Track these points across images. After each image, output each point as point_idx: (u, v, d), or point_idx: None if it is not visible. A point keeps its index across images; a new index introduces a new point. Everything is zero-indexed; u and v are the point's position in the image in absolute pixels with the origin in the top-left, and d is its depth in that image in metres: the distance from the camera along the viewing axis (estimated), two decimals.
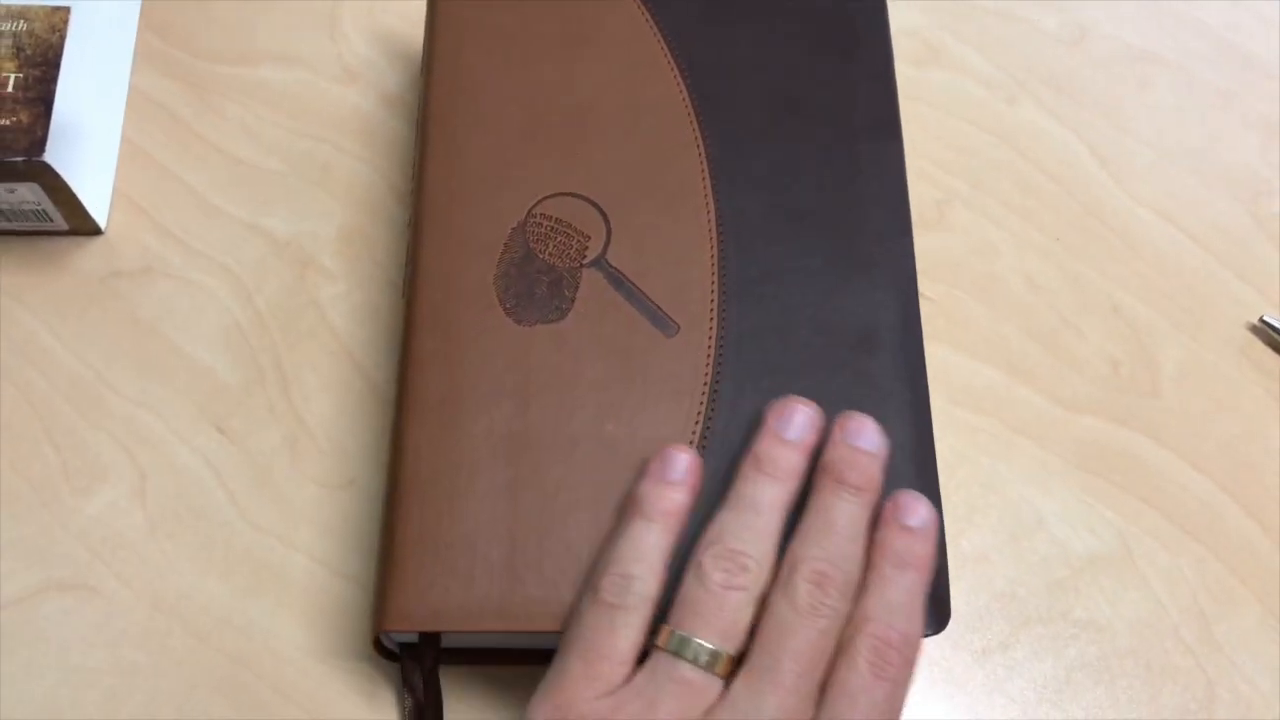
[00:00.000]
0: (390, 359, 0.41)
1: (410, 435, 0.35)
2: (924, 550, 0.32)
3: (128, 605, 0.37)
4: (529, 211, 0.38)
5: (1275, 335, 0.43)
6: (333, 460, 0.39)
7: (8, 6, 0.39)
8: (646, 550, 0.31)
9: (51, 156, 0.38)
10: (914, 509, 0.32)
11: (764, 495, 0.32)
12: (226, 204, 0.43)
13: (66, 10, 0.39)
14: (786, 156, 0.39)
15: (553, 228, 0.38)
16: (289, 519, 0.39)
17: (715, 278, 0.37)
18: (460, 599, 0.33)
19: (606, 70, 0.40)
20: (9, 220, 0.41)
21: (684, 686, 0.30)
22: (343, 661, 0.37)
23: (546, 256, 0.37)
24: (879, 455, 0.33)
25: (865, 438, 0.33)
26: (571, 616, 0.32)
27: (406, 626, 0.33)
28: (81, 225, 0.41)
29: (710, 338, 0.36)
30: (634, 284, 0.37)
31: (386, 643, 0.35)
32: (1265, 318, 0.44)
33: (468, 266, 0.37)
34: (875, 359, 0.36)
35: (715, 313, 0.37)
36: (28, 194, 0.39)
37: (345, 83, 0.46)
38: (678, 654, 0.30)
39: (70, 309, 0.41)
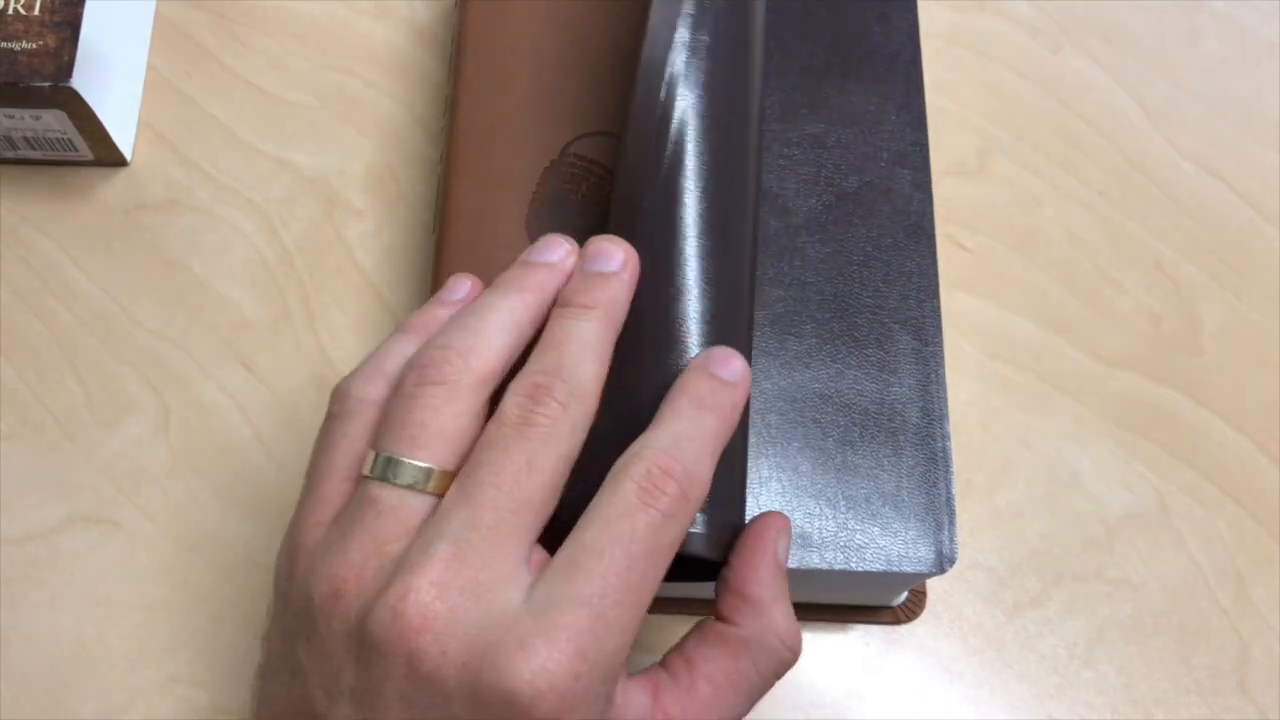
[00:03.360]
0: (418, 299, 0.40)
1: None
2: (727, 399, 0.27)
3: (152, 540, 0.37)
4: (562, 151, 0.37)
5: None
6: None
7: None
8: (388, 365, 0.28)
9: (78, 84, 0.37)
10: (728, 361, 0.28)
11: (490, 301, 0.28)
12: (253, 137, 0.42)
13: None
14: (821, 98, 0.38)
15: (586, 168, 0.37)
16: None
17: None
18: None
19: (634, 10, 0.39)
20: (34, 149, 0.40)
21: (376, 510, 0.25)
22: None
23: (579, 197, 0.37)
24: (617, 274, 0.28)
25: (602, 260, 0.29)
26: None
27: None
28: (107, 155, 0.41)
29: None
30: None
31: None
32: None
33: (499, 204, 0.36)
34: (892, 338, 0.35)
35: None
36: (54, 122, 0.38)
37: (375, 16, 0.44)
38: (373, 475, 0.26)
39: (95, 241, 0.41)
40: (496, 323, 0.27)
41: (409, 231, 0.41)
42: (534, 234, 0.36)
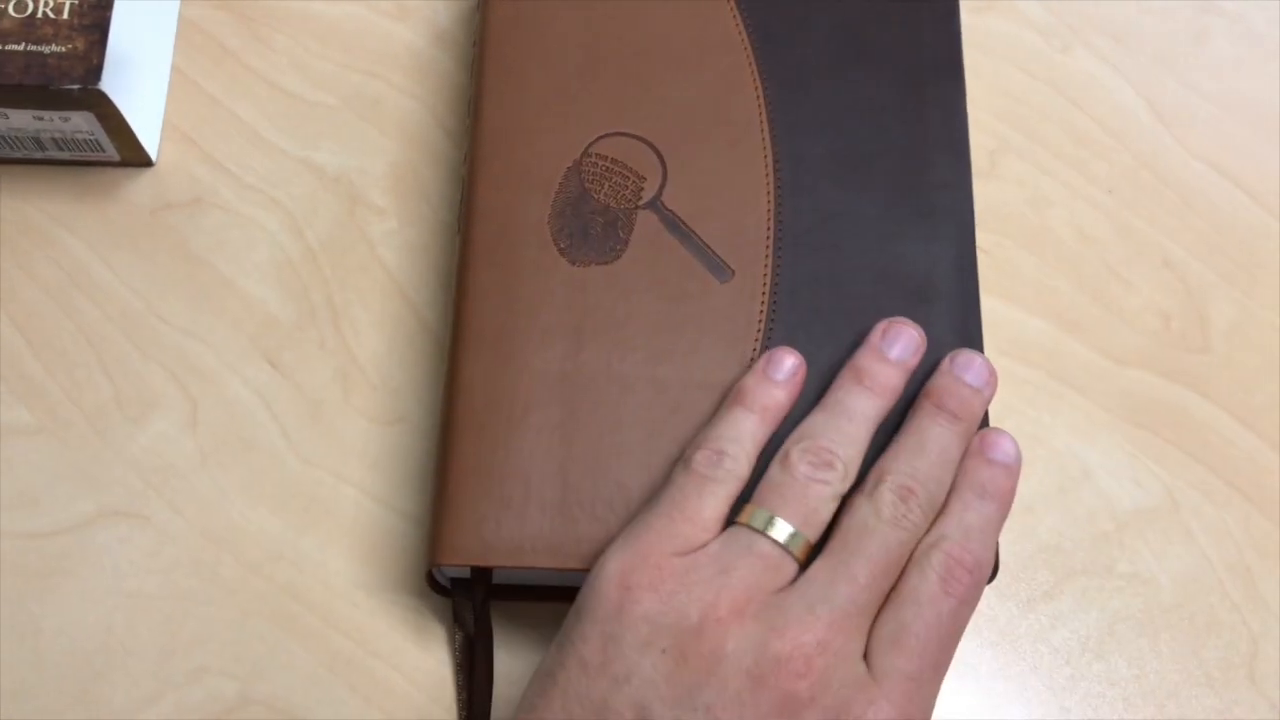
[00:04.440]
0: (440, 297, 0.41)
1: (465, 369, 0.35)
2: (1006, 483, 0.33)
3: (180, 534, 0.38)
4: (584, 150, 0.38)
5: None
6: (383, 396, 0.40)
7: None
8: (743, 434, 0.32)
9: (106, 86, 0.37)
10: (1001, 444, 0.33)
11: (857, 404, 0.33)
12: (276, 137, 0.43)
13: None
14: (847, 99, 0.39)
15: (608, 168, 0.38)
16: (340, 454, 0.39)
17: (771, 223, 0.37)
18: (513, 535, 0.33)
19: (664, 9, 0.39)
20: (62, 150, 0.41)
21: (760, 560, 0.30)
22: (393, 595, 0.37)
23: (601, 197, 0.37)
24: (982, 391, 0.34)
25: (972, 372, 0.34)
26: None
27: (460, 560, 0.33)
28: (133, 156, 0.41)
29: (765, 284, 0.36)
30: (689, 227, 0.37)
31: (438, 577, 0.35)
32: None
33: (522, 204, 0.37)
34: (931, 309, 0.36)
35: (770, 258, 0.37)
36: (82, 123, 0.39)
37: (396, 18, 0.45)
38: (757, 529, 0.31)
39: (122, 239, 0.41)
40: (866, 430, 0.33)
41: (430, 230, 0.42)
42: (556, 233, 0.36)
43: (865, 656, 0.30)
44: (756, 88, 0.38)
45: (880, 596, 0.30)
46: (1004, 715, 0.37)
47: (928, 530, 0.32)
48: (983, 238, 0.43)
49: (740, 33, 0.39)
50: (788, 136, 0.38)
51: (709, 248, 0.37)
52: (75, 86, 0.37)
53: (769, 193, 0.37)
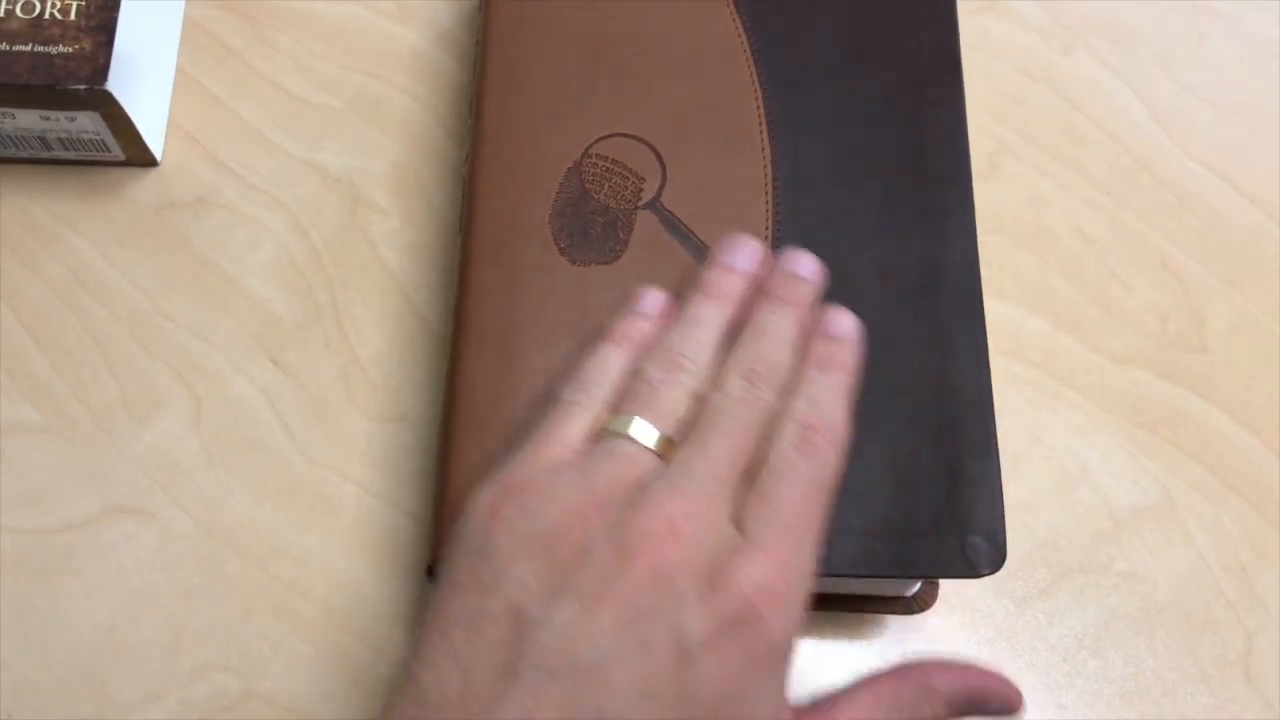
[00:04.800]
0: (441, 296, 0.41)
1: (467, 368, 0.35)
2: (846, 355, 0.34)
3: (185, 531, 0.38)
4: (585, 151, 0.38)
5: None
6: (385, 395, 0.40)
7: None
8: (609, 365, 0.33)
9: (111, 86, 0.38)
10: (837, 320, 0.34)
11: (704, 312, 0.34)
12: (280, 138, 0.43)
13: None
14: (846, 98, 0.39)
15: (608, 168, 0.38)
16: (343, 452, 0.39)
17: (770, 222, 0.37)
18: None
19: (665, 11, 0.40)
20: (67, 149, 0.41)
21: (622, 459, 0.31)
22: (396, 591, 0.38)
23: (601, 197, 0.37)
24: (810, 279, 0.35)
25: (799, 264, 0.35)
26: None
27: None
28: (138, 156, 0.42)
29: None
30: (688, 228, 0.37)
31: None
32: None
33: (524, 204, 0.37)
34: (933, 304, 0.36)
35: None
36: (88, 123, 0.39)
37: (398, 19, 0.45)
38: (616, 432, 0.31)
39: (127, 239, 0.42)
40: (713, 334, 0.34)
41: (432, 230, 0.42)
42: (557, 233, 0.37)
43: (739, 524, 0.30)
44: (756, 89, 0.39)
45: (740, 471, 0.31)
46: None
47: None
48: (982, 238, 0.43)
49: (740, 35, 0.39)
50: (787, 136, 0.38)
51: (708, 248, 0.37)
52: (82, 87, 0.37)
53: (768, 193, 0.38)
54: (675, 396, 0.32)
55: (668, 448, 0.31)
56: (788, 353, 0.33)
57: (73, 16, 0.38)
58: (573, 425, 0.32)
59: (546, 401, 0.33)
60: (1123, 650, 0.38)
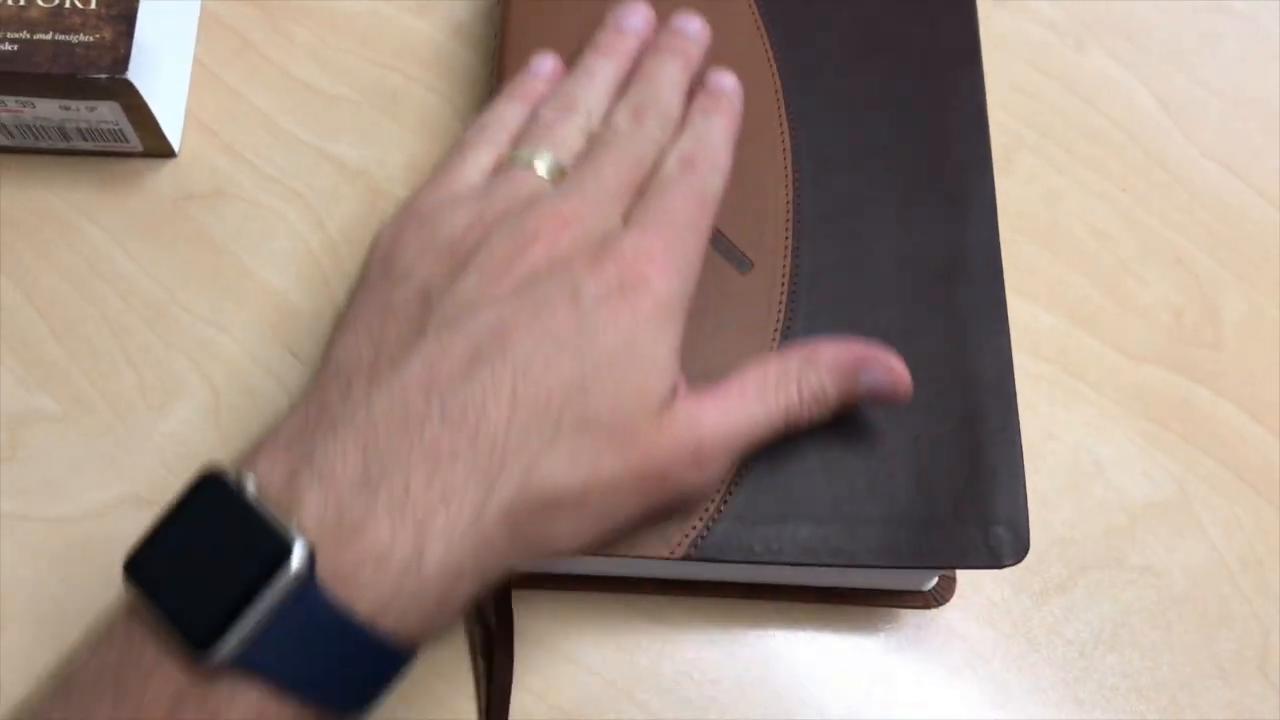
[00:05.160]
0: None
1: None
2: (728, 105, 0.37)
3: None
4: None
5: None
6: None
7: None
8: (504, 114, 0.36)
9: (132, 75, 0.38)
10: (720, 77, 0.37)
11: (596, 65, 0.37)
12: (297, 129, 0.43)
13: None
14: (865, 88, 0.39)
15: None
16: None
17: (790, 213, 0.37)
18: None
19: (683, 3, 0.40)
20: (86, 140, 0.41)
21: (519, 181, 0.33)
22: None
23: None
24: (696, 38, 0.38)
25: (686, 24, 0.38)
26: None
27: None
28: (156, 146, 0.42)
29: (784, 273, 0.37)
30: None
31: None
32: None
33: None
34: (956, 291, 0.36)
35: (789, 248, 0.37)
36: (107, 113, 0.39)
37: (416, 13, 0.45)
38: (513, 162, 0.34)
39: (144, 229, 0.42)
40: (605, 82, 0.37)
41: None
42: None
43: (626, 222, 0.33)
44: (774, 80, 0.39)
45: (628, 186, 0.33)
46: (1018, 707, 0.37)
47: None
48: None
49: (759, 26, 0.40)
50: (806, 127, 0.38)
51: (728, 239, 0.37)
52: (103, 76, 0.37)
53: (787, 183, 0.38)
54: (569, 133, 0.35)
55: (561, 176, 0.34)
56: (674, 95, 0.36)
57: (93, 5, 0.38)
58: (474, 160, 0.35)
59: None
60: (1139, 645, 0.38)
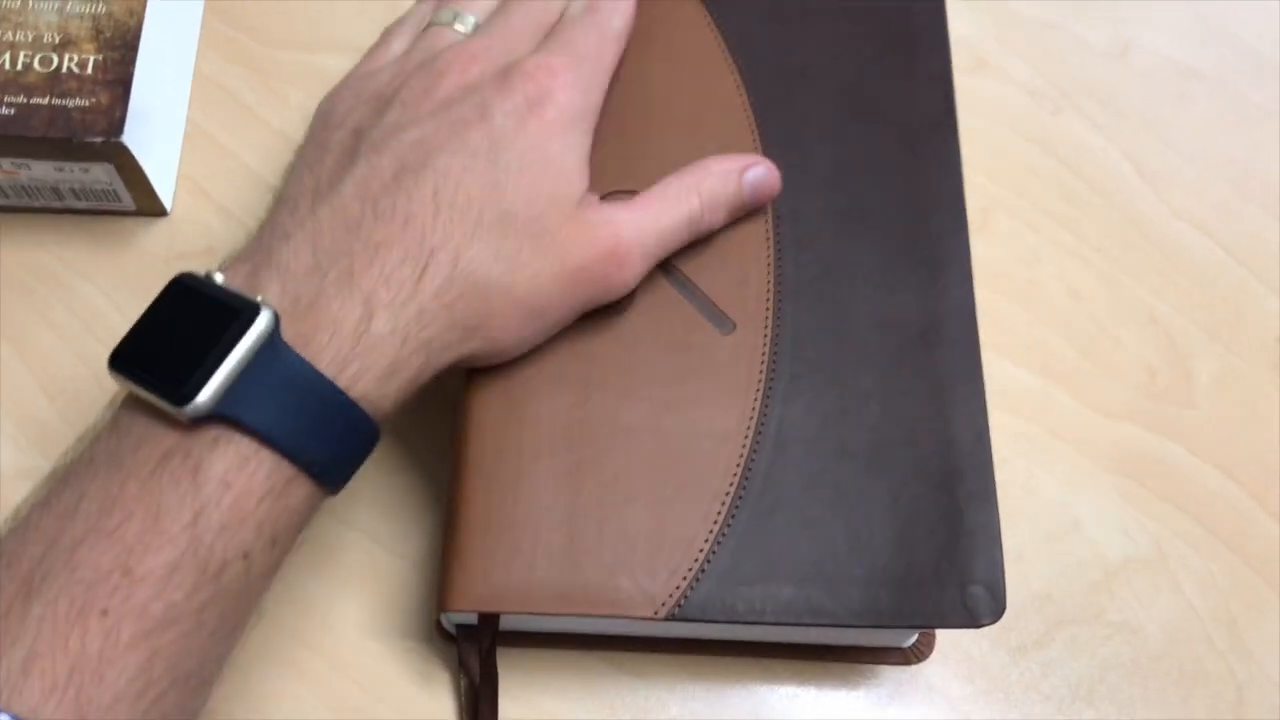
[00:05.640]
0: None
1: (474, 417, 0.36)
2: None
3: None
4: None
5: None
6: (390, 442, 0.40)
7: None
8: (426, 9, 0.40)
9: (126, 138, 0.38)
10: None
11: None
12: None
13: None
14: (844, 155, 0.40)
15: None
16: (347, 499, 0.40)
17: (771, 275, 0.38)
18: (521, 581, 0.34)
19: (666, 69, 0.41)
20: (79, 199, 0.42)
21: (436, 36, 0.38)
22: (400, 641, 0.38)
23: None
24: None
25: None
26: None
27: (469, 606, 0.34)
28: (148, 206, 0.42)
29: (766, 335, 0.37)
30: (691, 281, 0.38)
31: (445, 624, 0.36)
32: None
33: None
34: (933, 355, 0.37)
35: (771, 310, 0.38)
36: (101, 174, 0.40)
37: None
38: (435, 22, 0.38)
39: (136, 287, 0.42)
40: None
41: None
42: None
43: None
44: (756, 147, 0.40)
45: (536, 31, 0.38)
46: None
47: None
48: (975, 292, 0.45)
49: (740, 94, 0.41)
50: (787, 192, 0.39)
51: (711, 301, 0.38)
52: (98, 139, 0.38)
53: (769, 247, 0.39)
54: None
55: (474, 31, 0.38)
56: None
57: (90, 70, 0.39)
58: (398, 40, 0.39)
59: None
60: (1116, 700, 0.39)
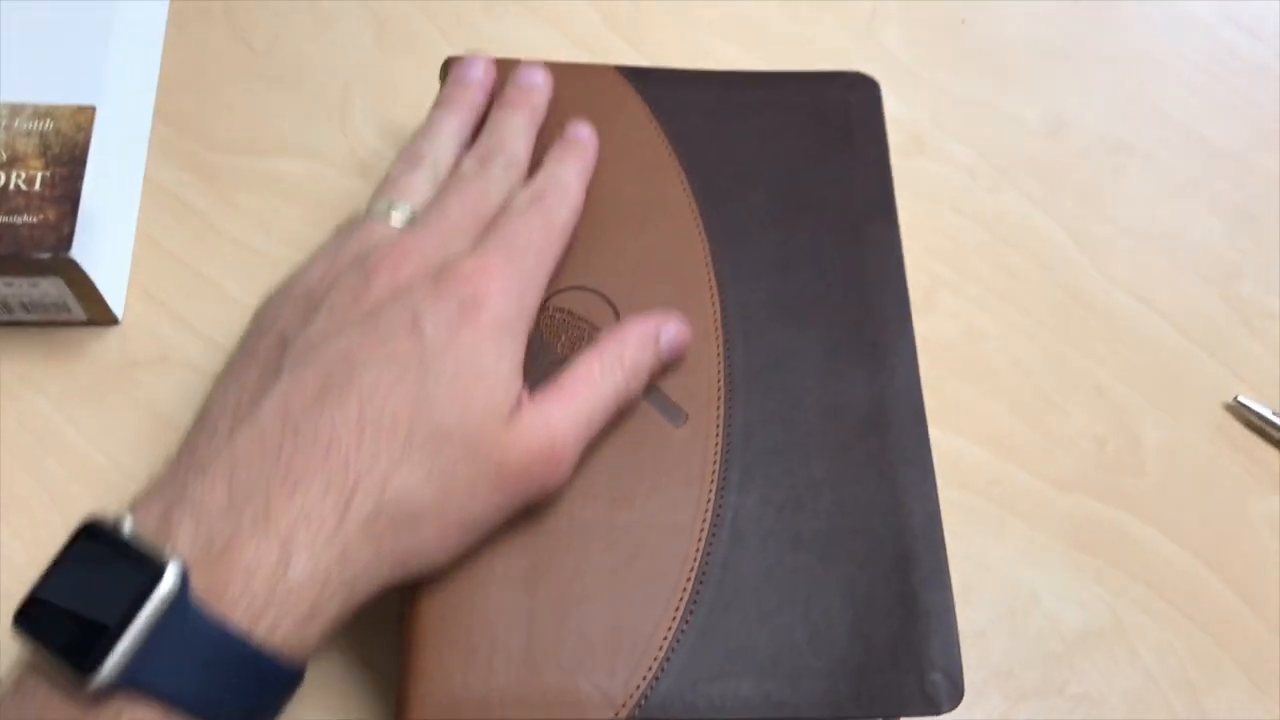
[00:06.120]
0: None
1: None
2: (583, 150, 0.40)
3: None
4: (543, 305, 0.39)
5: (1249, 415, 0.45)
6: None
7: (35, 106, 0.40)
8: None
9: (75, 254, 0.39)
10: (576, 127, 0.41)
11: (440, 119, 0.40)
12: (242, 294, 0.44)
13: (92, 109, 0.40)
14: (788, 246, 0.41)
15: (565, 320, 0.39)
16: None
17: (721, 367, 0.39)
18: (480, 688, 0.34)
19: (614, 169, 0.42)
20: (29, 311, 0.41)
21: (367, 230, 0.36)
22: None
23: (559, 348, 0.39)
24: (539, 88, 0.41)
25: (529, 76, 0.41)
26: None
27: (429, 716, 0.33)
28: (99, 315, 0.42)
29: (718, 426, 0.38)
30: None
31: None
32: (1239, 398, 0.46)
33: None
34: (883, 439, 0.38)
35: (722, 401, 0.38)
36: (50, 288, 0.40)
37: (357, 175, 0.47)
38: (367, 214, 0.37)
39: (88, 397, 0.42)
40: (449, 133, 0.40)
41: None
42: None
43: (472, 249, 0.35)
44: (702, 241, 0.41)
45: (475, 218, 0.36)
46: None
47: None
48: (922, 370, 0.45)
49: (686, 192, 0.41)
50: (733, 284, 0.40)
51: (662, 393, 0.38)
52: (47, 255, 0.38)
53: (717, 339, 0.39)
54: (416, 182, 0.38)
55: (410, 223, 0.37)
56: (519, 142, 0.39)
57: (38, 187, 0.39)
58: (336, 235, 0.38)
59: None
60: None
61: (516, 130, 0.40)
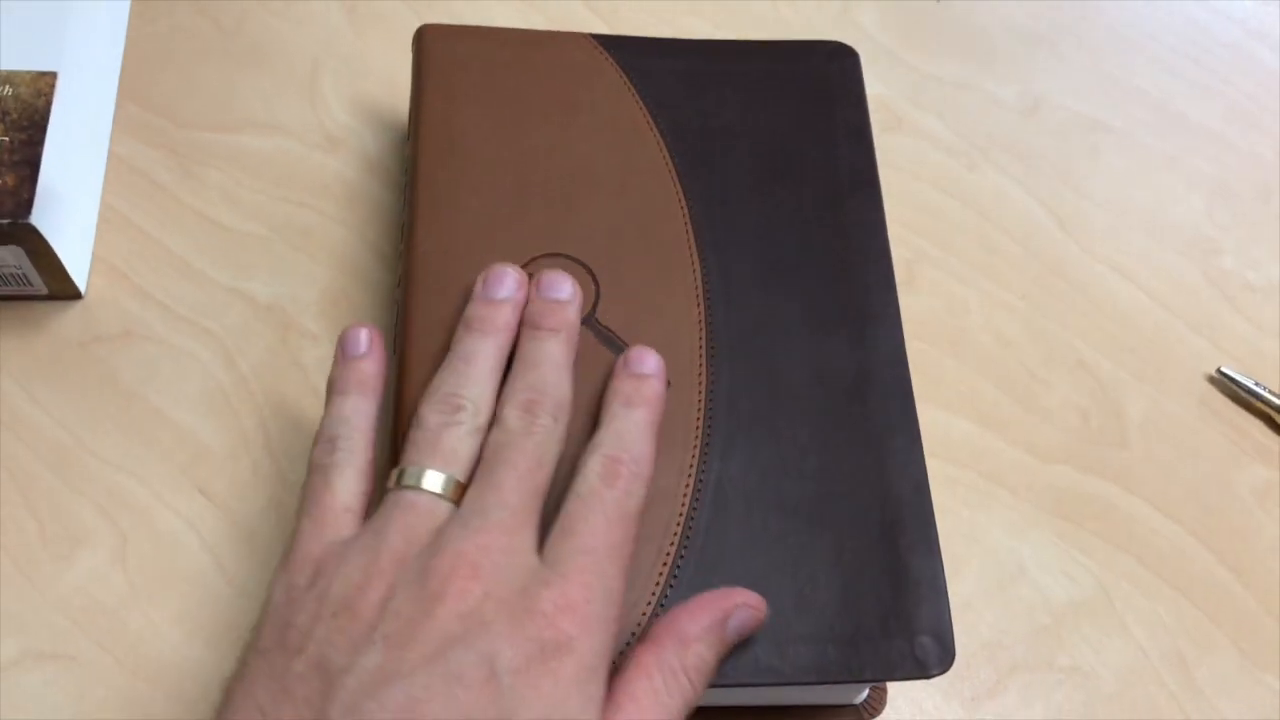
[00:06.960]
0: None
1: None
2: (651, 391, 0.34)
3: (109, 673, 0.36)
4: None
5: (1232, 385, 0.45)
6: None
7: None
8: (348, 415, 0.33)
9: (35, 220, 0.37)
10: (642, 359, 0.35)
11: (474, 347, 0.35)
12: (207, 268, 0.43)
13: (53, 75, 0.39)
14: (770, 213, 0.40)
15: None
16: None
17: (703, 333, 0.38)
18: None
19: (591, 137, 0.41)
20: None
21: (412, 511, 0.31)
22: None
23: None
24: (570, 301, 0.36)
25: (555, 289, 0.36)
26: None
27: None
28: (61, 289, 0.41)
29: (700, 392, 0.37)
30: (624, 342, 0.38)
31: None
32: (1222, 369, 0.45)
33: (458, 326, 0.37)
34: (868, 406, 0.37)
35: (704, 367, 0.37)
36: (9, 257, 0.39)
37: (326, 149, 0.46)
38: (402, 484, 0.31)
39: (50, 373, 0.41)
40: (486, 368, 0.34)
41: None
42: None
43: (542, 555, 0.30)
44: (682, 208, 0.40)
45: (533, 497, 0.31)
46: None
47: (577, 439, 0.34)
48: (905, 344, 0.45)
49: (665, 159, 0.41)
50: (714, 251, 0.39)
51: None
52: (5, 221, 0.37)
53: (699, 305, 0.38)
54: (457, 438, 0.32)
55: (458, 491, 0.31)
56: (561, 377, 0.34)
57: None
58: (341, 485, 0.32)
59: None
60: None
61: (556, 363, 0.34)
